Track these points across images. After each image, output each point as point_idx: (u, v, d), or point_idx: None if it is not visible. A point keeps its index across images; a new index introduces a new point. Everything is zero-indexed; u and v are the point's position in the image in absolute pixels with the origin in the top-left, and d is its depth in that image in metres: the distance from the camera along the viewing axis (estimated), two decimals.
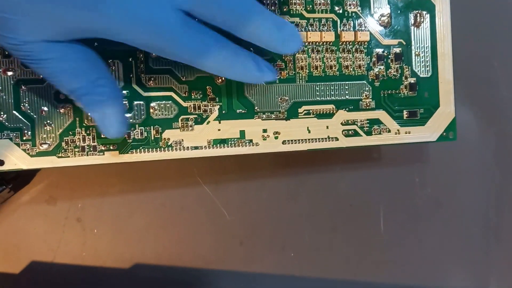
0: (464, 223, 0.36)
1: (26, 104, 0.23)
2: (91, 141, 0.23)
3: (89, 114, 0.21)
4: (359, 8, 0.27)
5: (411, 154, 0.35)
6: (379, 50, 0.27)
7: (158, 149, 0.24)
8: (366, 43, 0.27)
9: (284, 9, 0.26)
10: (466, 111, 0.36)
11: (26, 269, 0.29)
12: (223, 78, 0.25)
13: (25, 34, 0.18)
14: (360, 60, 0.27)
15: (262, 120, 0.25)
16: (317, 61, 0.26)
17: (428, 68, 0.28)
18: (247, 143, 0.25)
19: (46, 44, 0.19)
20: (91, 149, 0.23)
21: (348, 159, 0.34)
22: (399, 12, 0.27)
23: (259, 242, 0.32)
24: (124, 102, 0.23)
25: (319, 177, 0.33)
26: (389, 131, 0.27)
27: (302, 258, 0.33)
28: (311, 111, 0.26)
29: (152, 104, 0.24)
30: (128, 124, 0.22)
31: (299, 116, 0.26)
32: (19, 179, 0.28)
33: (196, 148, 0.25)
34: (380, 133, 0.27)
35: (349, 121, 0.27)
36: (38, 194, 0.30)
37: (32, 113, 0.23)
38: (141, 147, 0.24)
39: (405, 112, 0.27)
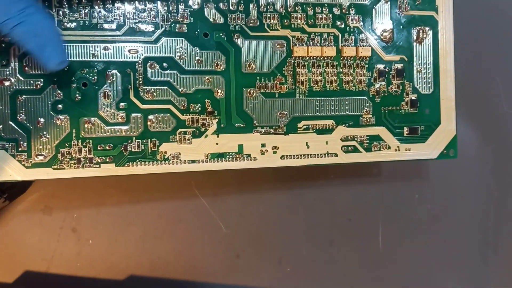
0: (463, 239, 0.36)
1: (23, 115, 0.22)
2: (87, 153, 0.23)
3: (25, 49, 0.21)
4: (361, 23, 0.26)
5: (411, 170, 0.34)
6: (381, 66, 0.27)
7: (155, 162, 0.24)
8: (367, 58, 0.26)
9: (285, 23, 0.25)
10: (466, 127, 0.35)
11: (20, 278, 0.29)
12: (222, 92, 0.25)
13: None
14: (361, 76, 0.26)
15: (261, 134, 0.25)
16: (317, 76, 0.26)
17: (430, 85, 0.27)
18: (245, 158, 0.25)
19: None
20: (87, 161, 0.23)
21: (347, 174, 0.33)
22: (401, 27, 0.27)
23: (255, 255, 0.32)
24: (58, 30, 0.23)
25: (317, 191, 0.33)
26: (389, 147, 0.27)
27: (299, 271, 0.33)
28: (310, 126, 0.26)
29: (150, 117, 0.24)
30: (66, 53, 0.22)
31: (298, 131, 0.26)
32: (15, 189, 0.28)
33: (193, 161, 0.24)
34: (380, 150, 0.27)
35: (349, 137, 0.26)
36: (34, 203, 0.29)
37: (28, 124, 0.23)
38: (137, 160, 0.24)
39: (405, 129, 0.27)
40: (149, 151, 0.24)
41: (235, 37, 0.25)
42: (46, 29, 0.20)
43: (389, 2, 0.27)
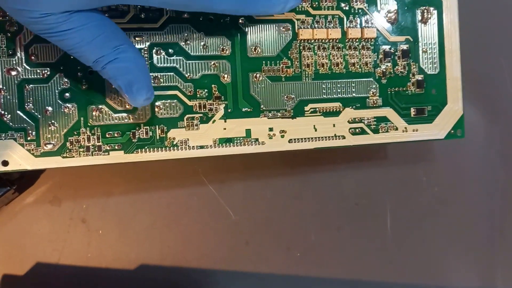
0: (470, 222, 0.36)
1: (30, 104, 0.22)
2: (96, 141, 0.23)
3: (114, 84, 0.21)
4: (365, 5, 0.26)
5: (418, 153, 0.34)
6: (386, 47, 0.27)
7: (164, 148, 0.24)
8: (373, 40, 0.26)
9: None
10: (472, 109, 0.35)
11: (31, 270, 0.29)
12: (228, 77, 0.25)
13: (46, 7, 0.18)
14: (367, 57, 0.26)
15: (268, 118, 0.25)
16: (323, 59, 0.26)
17: (435, 65, 0.27)
18: (253, 142, 0.25)
19: (67, 15, 0.19)
20: (96, 149, 0.23)
21: (354, 158, 0.33)
22: (406, 8, 0.27)
23: (264, 241, 0.32)
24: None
25: (325, 176, 0.33)
26: (396, 129, 0.27)
27: (308, 257, 0.33)
28: (317, 109, 0.26)
29: (157, 103, 0.24)
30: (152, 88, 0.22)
31: (306, 115, 0.26)
32: (24, 180, 0.28)
33: (201, 147, 0.24)
34: (387, 131, 0.27)
35: (356, 119, 0.26)
36: (43, 195, 0.29)
37: (36, 113, 0.23)
38: (146, 147, 0.24)
39: (412, 110, 0.27)
40: (158, 137, 0.24)
41: (240, 21, 0.25)
42: (137, 66, 0.21)
43: None
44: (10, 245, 0.29)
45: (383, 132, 0.27)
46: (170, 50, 0.24)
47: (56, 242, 0.29)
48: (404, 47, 0.27)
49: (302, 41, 0.25)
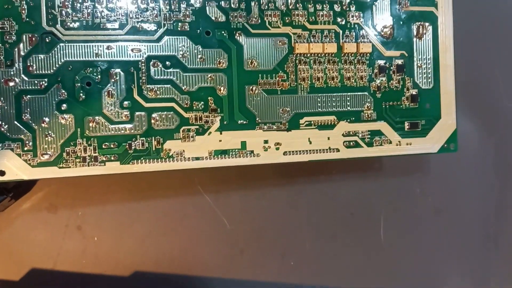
0: (464, 233, 0.36)
1: (28, 115, 0.23)
2: (92, 151, 0.23)
3: None
4: (361, 20, 0.26)
5: (412, 164, 0.35)
6: (381, 62, 0.27)
7: (159, 159, 0.24)
8: (368, 54, 0.27)
9: (287, 20, 0.26)
10: (466, 121, 0.36)
11: (26, 276, 0.29)
12: (225, 89, 0.25)
13: None
14: (362, 72, 0.27)
15: (264, 131, 0.25)
16: (319, 73, 0.26)
17: (430, 80, 0.28)
18: (249, 154, 0.25)
19: None
20: (92, 159, 0.23)
21: (349, 168, 0.34)
22: (401, 23, 0.27)
23: (259, 250, 0.32)
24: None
25: (320, 186, 0.33)
26: (390, 142, 0.27)
27: (302, 266, 0.33)
28: (312, 122, 0.26)
29: (153, 115, 0.24)
30: None
31: (301, 127, 0.26)
32: (20, 188, 0.28)
33: (197, 159, 0.25)
34: (381, 145, 0.27)
35: (351, 132, 0.27)
36: (39, 201, 0.29)
37: (33, 124, 0.23)
38: (142, 158, 0.24)
39: (406, 124, 0.27)
40: (154, 148, 0.24)
41: (237, 35, 0.25)
42: None
43: None
44: (5, 251, 0.29)
45: (377, 145, 0.27)
46: (167, 63, 0.24)
47: (52, 249, 0.30)
48: (399, 62, 0.27)
49: (298, 55, 0.26)
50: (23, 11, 0.22)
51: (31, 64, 0.23)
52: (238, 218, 0.32)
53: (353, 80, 0.27)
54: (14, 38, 0.22)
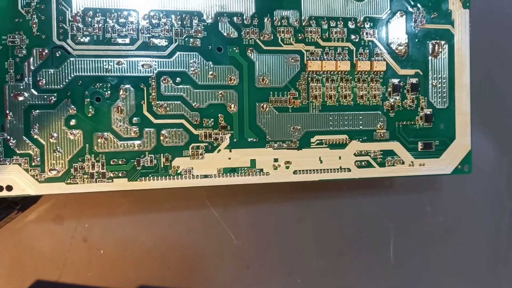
0: (475, 253, 0.35)
1: (36, 130, 0.22)
2: (100, 168, 0.23)
3: None
4: (376, 37, 0.26)
5: (423, 183, 0.34)
6: (395, 80, 0.26)
7: (168, 177, 0.24)
8: (382, 72, 0.26)
9: (300, 37, 0.25)
10: (480, 140, 0.35)
11: (32, 287, 0.29)
12: (235, 107, 0.24)
13: None
14: (375, 90, 0.26)
15: (274, 149, 0.25)
16: (331, 91, 0.26)
17: (445, 99, 0.27)
18: (258, 173, 0.25)
19: None
20: (100, 176, 0.23)
21: (359, 185, 0.33)
22: (416, 41, 0.27)
23: (265, 266, 0.32)
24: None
25: (328, 202, 0.33)
26: (403, 162, 0.27)
27: (309, 283, 0.33)
28: (323, 141, 0.26)
29: (162, 132, 0.24)
30: None
31: (311, 146, 0.25)
32: (27, 200, 0.28)
33: (206, 176, 0.24)
34: (393, 165, 0.26)
35: (362, 152, 0.26)
36: (45, 213, 0.29)
37: (41, 139, 0.23)
38: (150, 175, 0.24)
39: (419, 144, 0.27)
40: (162, 165, 0.24)
41: (249, 51, 0.25)
42: None
43: (404, 16, 0.26)
44: (10, 261, 0.29)
45: (389, 165, 0.26)
46: (177, 79, 0.24)
47: (57, 260, 0.29)
48: (414, 80, 0.27)
49: (310, 73, 0.25)
50: (34, 25, 0.22)
51: (41, 78, 0.22)
52: (245, 233, 0.32)
53: (366, 99, 0.26)
54: (24, 52, 0.22)
